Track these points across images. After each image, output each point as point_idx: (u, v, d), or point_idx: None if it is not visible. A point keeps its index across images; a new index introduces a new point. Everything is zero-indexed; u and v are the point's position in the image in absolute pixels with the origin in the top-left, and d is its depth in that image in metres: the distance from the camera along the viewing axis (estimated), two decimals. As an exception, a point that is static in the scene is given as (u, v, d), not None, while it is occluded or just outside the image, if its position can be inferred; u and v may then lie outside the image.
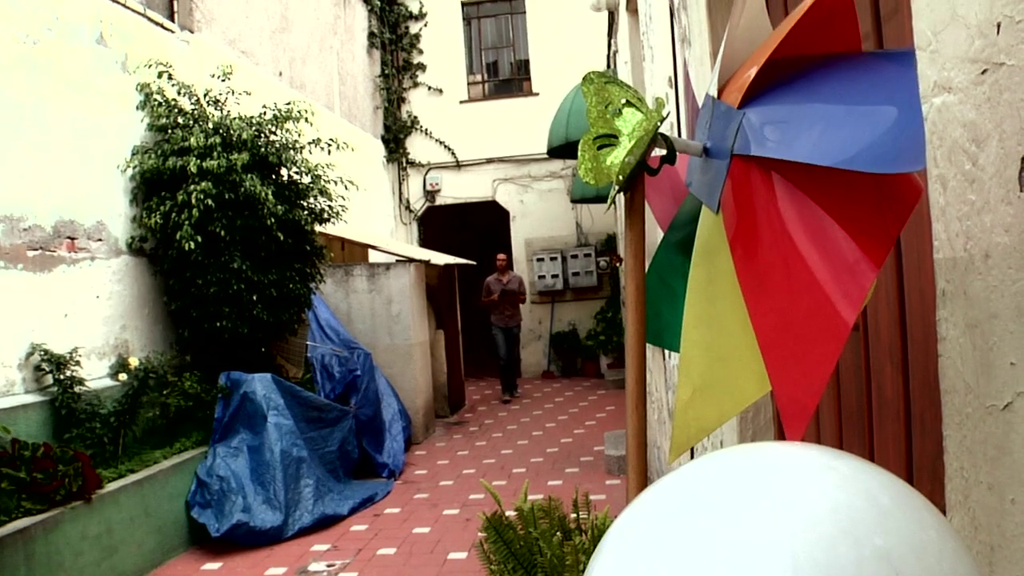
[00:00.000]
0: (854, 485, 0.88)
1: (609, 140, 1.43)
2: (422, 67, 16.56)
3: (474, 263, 13.79)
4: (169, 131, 7.67)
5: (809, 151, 1.16)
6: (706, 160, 1.44)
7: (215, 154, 7.30)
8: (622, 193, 1.48)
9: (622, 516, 1.03)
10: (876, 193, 1.13)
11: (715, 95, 1.40)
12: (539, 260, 16.19)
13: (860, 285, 1.11)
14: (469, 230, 20.27)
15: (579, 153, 1.41)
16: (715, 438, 3.56)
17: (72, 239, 6.63)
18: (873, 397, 1.87)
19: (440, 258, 12.02)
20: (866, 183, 1.13)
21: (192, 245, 7.06)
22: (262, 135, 7.85)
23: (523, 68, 17.03)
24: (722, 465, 0.98)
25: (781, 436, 2.84)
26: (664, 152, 1.48)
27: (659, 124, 1.41)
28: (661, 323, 1.83)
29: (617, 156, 1.39)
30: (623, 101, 1.46)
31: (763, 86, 1.30)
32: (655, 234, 2.30)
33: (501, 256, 14.02)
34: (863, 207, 1.13)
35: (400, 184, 16.50)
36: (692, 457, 3.85)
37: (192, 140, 7.30)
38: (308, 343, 9.05)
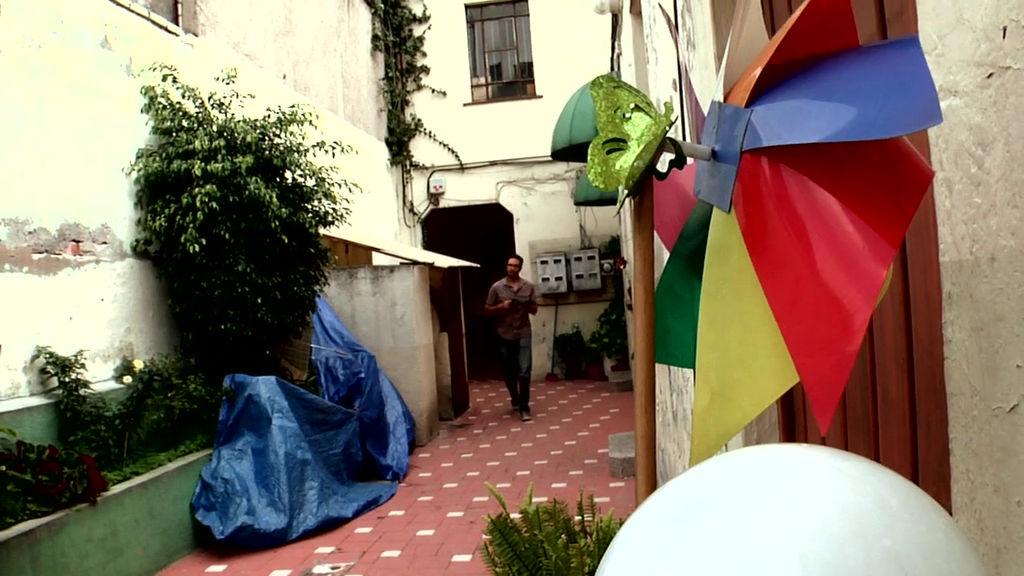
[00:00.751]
0: (863, 487, 0.88)
1: (618, 144, 1.43)
2: (426, 70, 16.57)
3: (478, 265, 13.79)
4: (173, 134, 7.69)
5: (824, 130, 1.15)
6: (714, 164, 1.44)
7: (219, 157, 7.31)
8: (631, 197, 1.49)
9: (632, 519, 1.03)
10: (887, 177, 1.12)
11: (721, 100, 1.40)
12: (543, 263, 16.20)
13: (881, 261, 1.09)
14: (473, 233, 20.28)
15: (588, 157, 1.41)
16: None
17: (77, 242, 6.65)
18: (878, 400, 1.87)
19: (444, 261, 12.03)
20: (876, 168, 1.12)
21: (196, 248, 7.08)
22: (266, 138, 7.87)
23: (527, 71, 17.04)
24: (731, 467, 0.99)
25: (786, 439, 2.84)
26: (673, 156, 1.49)
27: (668, 129, 1.41)
28: (672, 339, 1.81)
29: (626, 160, 1.40)
30: (632, 105, 1.47)
31: (769, 84, 1.30)
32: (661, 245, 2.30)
33: (513, 261, 12.50)
34: (875, 191, 1.12)
35: (404, 187, 16.52)
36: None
37: (196, 143, 7.31)
38: (312, 346, 9.06)
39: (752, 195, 1.35)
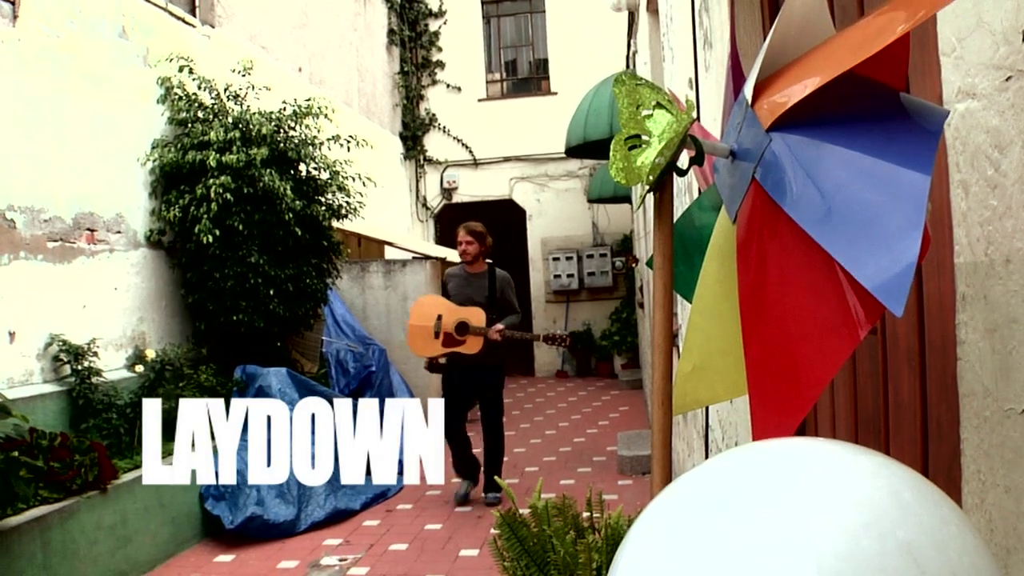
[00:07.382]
0: (876, 479, 0.89)
1: (639, 141, 1.44)
2: (441, 65, 16.57)
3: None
4: (189, 125, 7.72)
5: (812, 223, 1.16)
6: (734, 163, 1.45)
7: (234, 149, 7.34)
8: (651, 193, 1.50)
9: (646, 511, 1.04)
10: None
11: (750, 97, 1.38)
12: (555, 259, 16.19)
13: (851, 338, 1.14)
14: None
15: (611, 153, 1.42)
16: (733, 434, 3.57)
17: (92, 231, 6.68)
18: (890, 400, 1.88)
19: (456, 255, 12.02)
20: None
21: (210, 239, 7.11)
22: (281, 130, 7.89)
23: (542, 67, 17.03)
24: (744, 460, 1.00)
25: (797, 434, 2.85)
26: (693, 153, 1.50)
27: (689, 126, 1.42)
28: (676, 274, 1.84)
29: (647, 157, 1.41)
30: (654, 103, 1.48)
31: (798, 112, 1.28)
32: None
33: (472, 226, 8.50)
34: None
35: (417, 181, 16.53)
36: (707, 456, 3.86)
37: (212, 134, 7.35)
38: (323, 338, 9.09)
39: (754, 222, 1.37)
